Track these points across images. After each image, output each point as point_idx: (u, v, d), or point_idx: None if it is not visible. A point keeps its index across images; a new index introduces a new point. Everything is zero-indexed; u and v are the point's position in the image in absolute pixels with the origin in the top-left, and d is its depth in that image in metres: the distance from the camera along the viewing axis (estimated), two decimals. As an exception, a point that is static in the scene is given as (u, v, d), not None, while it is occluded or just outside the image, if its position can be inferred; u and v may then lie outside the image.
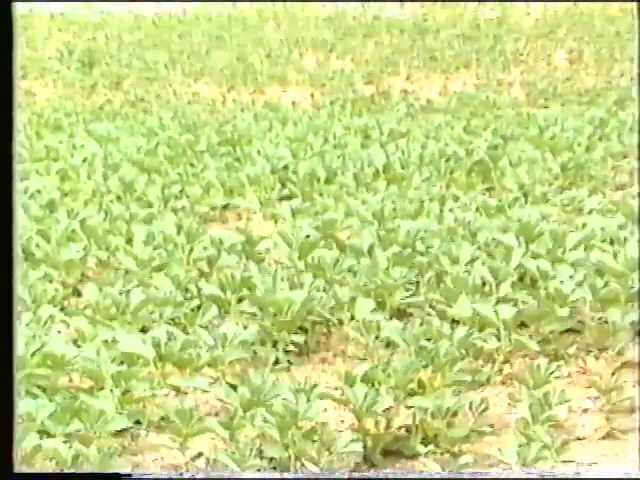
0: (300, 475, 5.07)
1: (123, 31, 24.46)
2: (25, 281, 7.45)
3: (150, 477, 3.47)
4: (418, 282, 7.56)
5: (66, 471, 5.07)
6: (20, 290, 7.31)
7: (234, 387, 5.90)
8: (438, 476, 5.05)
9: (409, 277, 7.54)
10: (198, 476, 5.05)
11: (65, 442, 5.24)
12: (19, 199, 9.83)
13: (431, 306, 7.22)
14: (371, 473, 5.22)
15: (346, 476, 5.14)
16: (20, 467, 5.29)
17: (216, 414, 5.80)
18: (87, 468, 5.13)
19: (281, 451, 5.29)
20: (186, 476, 4.93)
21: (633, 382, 6.35)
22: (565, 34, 22.49)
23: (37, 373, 6.07)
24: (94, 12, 28.51)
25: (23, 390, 5.90)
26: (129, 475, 2.92)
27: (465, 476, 5.08)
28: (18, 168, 10.36)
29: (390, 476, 4.90)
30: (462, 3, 28.87)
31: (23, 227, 8.75)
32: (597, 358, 6.78)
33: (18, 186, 10.06)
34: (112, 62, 19.85)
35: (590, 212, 9.40)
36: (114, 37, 23.42)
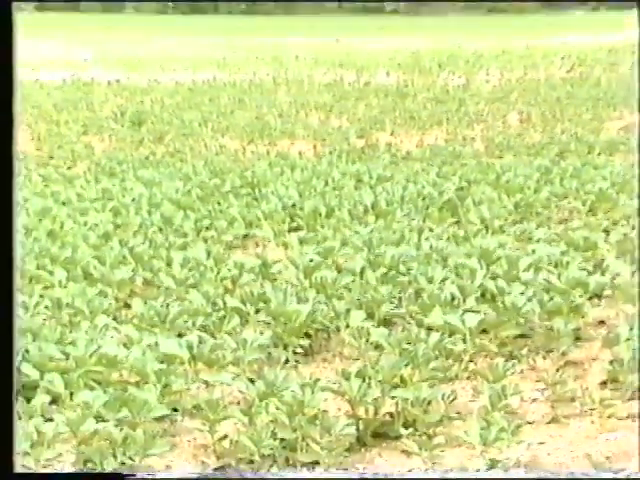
0: (302, 475, 4.81)
1: (165, 96, 24.52)
2: (84, 296, 7.46)
3: (151, 477, 3.26)
4: (400, 297, 7.56)
5: (66, 471, 4.85)
6: (80, 303, 7.32)
7: (252, 381, 5.90)
8: (438, 476, 4.80)
9: (393, 293, 7.55)
10: (200, 476, 4.79)
11: (116, 426, 5.23)
12: (79, 231, 9.83)
13: (411, 316, 7.21)
14: (372, 473, 4.96)
15: (347, 476, 4.79)
16: (78, 446, 5.26)
17: (238, 403, 5.78)
18: (134, 448, 5.10)
19: (290, 433, 5.28)
20: (188, 476, 4.68)
21: (574, 377, 6.34)
22: (516, 98, 22.53)
23: (94, 370, 6.06)
24: (143, 80, 28.61)
25: (82, 383, 5.90)
26: (132, 475, 2.74)
27: (465, 476, 4.78)
28: (79, 206, 10.32)
29: (392, 476, 4.65)
30: (435, 73, 28.94)
31: (83, 253, 8.76)
32: (544, 358, 6.77)
33: (80, 219, 9.95)
34: (156, 121, 19.87)
35: (538, 241, 9.39)
36: (158, 101, 23.47)
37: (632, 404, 5.96)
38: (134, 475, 2.71)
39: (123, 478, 2.83)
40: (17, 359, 6.05)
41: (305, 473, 4.84)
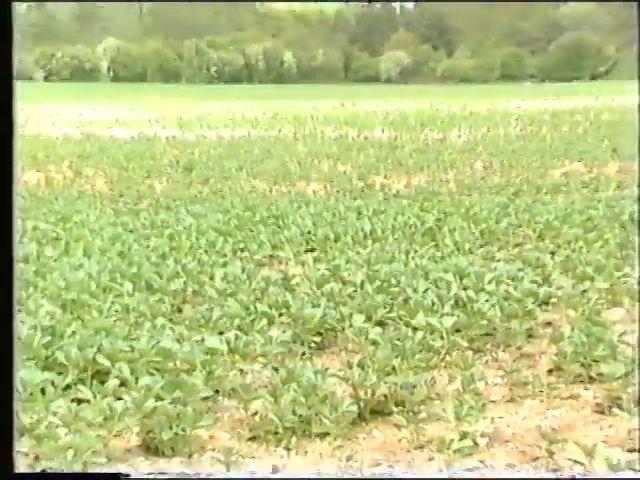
0: (303, 475, 4.29)
1: (210, 148, 24.60)
2: (146, 303, 7.45)
3: (149, 477, 2.85)
4: (392, 304, 7.51)
5: (66, 471, 4.35)
6: (143, 308, 7.31)
7: (277, 370, 5.88)
8: (438, 476, 4.31)
9: (386, 301, 7.51)
10: (199, 476, 4.21)
11: (171, 404, 5.20)
12: (143, 252, 9.81)
13: (400, 319, 7.17)
14: (374, 474, 4.57)
15: (350, 476, 4.24)
16: (142, 420, 5.23)
17: (265, 387, 5.74)
18: (185, 421, 5.06)
19: (306, 410, 5.25)
20: (186, 476, 4.16)
21: (527, 366, 6.30)
22: (481, 150, 22.49)
23: (154, 360, 6.03)
24: (193, 136, 28.69)
25: (144, 370, 5.88)
26: (128, 475, 2.38)
27: (467, 476, 4.27)
28: (143, 233, 10.24)
29: (392, 476, 4.24)
30: (418, 130, 28.93)
31: (145, 269, 8.74)
32: (504, 351, 6.73)
33: (143, 243, 9.87)
34: (203, 168, 19.90)
35: (499, 260, 9.37)
36: (204, 152, 23.53)
37: (573, 387, 5.93)
38: (130, 475, 2.31)
39: (120, 478, 2.36)
40: (92, 352, 6.04)
41: (307, 473, 4.31)
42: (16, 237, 2.22)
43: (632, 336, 6.36)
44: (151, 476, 3.31)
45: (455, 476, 4.15)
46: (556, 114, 35.29)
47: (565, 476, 4.27)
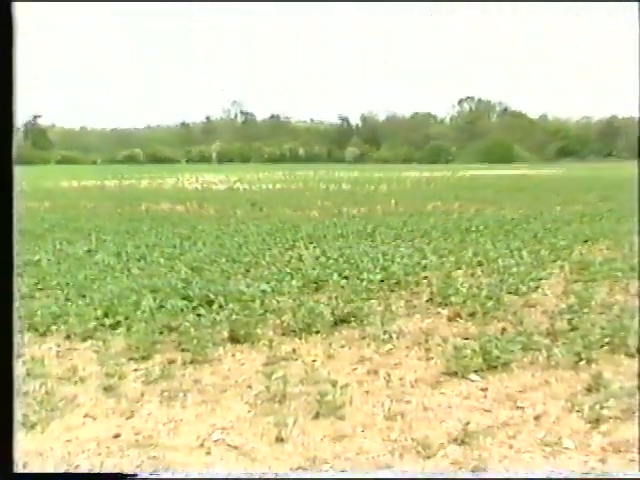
0: (301, 475, 2.67)
1: (263, 194, 24.33)
2: (232, 267, 7.26)
3: (152, 477, 1.89)
4: (351, 268, 7.35)
5: (66, 471, 2.59)
6: (228, 269, 7.10)
7: (294, 300, 5.73)
8: (439, 476, 2.57)
9: (348, 267, 7.35)
10: (202, 476, 2.56)
11: (243, 317, 5.01)
12: (229, 243, 9.58)
13: (355, 275, 7.00)
14: (373, 474, 2.71)
15: (348, 476, 2.64)
16: (230, 317, 5.08)
17: (289, 308, 5.55)
18: (250, 326, 4.88)
19: (309, 320, 5.09)
20: (189, 476, 2.55)
21: (415, 299, 6.11)
22: (392, 195, 22.19)
23: (235, 295, 5.87)
24: (256, 187, 28.29)
25: (229, 301, 5.68)
26: (133, 475, 1.52)
27: (467, 476, 2.53)
28: (229, 234, 9.90)
29: (392, 476, 2.63)
30: (363, 185, 28.59)
31: (230, 251, 8.53)
32: (405, 291, 6.49)
33: (230, 239, 9.55)
34: (259, 203, 19.55)
35: (402, 247, 9.20)
36: (261, 197, 23.25)
37: (437, 309, 5.77)
38: (136, 475, 1.55)
39: (124, 478, 1.56)
40: (205, 291, 5.86)
41: (306, 473, 2.61)
42: (15, 238, 1.54)
43: (467, 283, 6.23)
44: (155, 476, 2.14)
45: (456, 476, 2.53)
46: (428, 179, 35.05)
47: (564, 476, 2.54)
